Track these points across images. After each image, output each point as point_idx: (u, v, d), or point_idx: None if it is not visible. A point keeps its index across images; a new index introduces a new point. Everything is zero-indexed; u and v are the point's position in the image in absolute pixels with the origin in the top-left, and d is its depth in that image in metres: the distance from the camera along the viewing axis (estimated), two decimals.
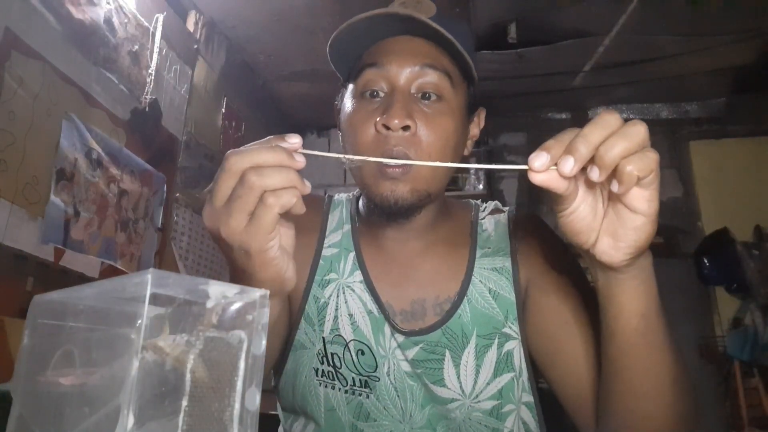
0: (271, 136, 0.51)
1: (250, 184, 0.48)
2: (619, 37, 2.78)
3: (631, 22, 2.64)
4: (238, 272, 0.56)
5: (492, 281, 0.79)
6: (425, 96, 0.71)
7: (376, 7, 0.70)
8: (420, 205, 0.73)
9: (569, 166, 0.45)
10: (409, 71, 0.71)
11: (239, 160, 0.49)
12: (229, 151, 0.50)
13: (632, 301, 0.55)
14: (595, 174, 0.45)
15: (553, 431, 0.81)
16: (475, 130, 0.81)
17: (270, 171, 0.48)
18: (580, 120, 3.73)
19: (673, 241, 3.31)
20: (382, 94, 0.72)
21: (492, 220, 0.85)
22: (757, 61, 3.07)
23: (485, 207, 0.88)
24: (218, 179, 0.50)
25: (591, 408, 0.70)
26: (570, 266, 0.79)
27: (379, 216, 0.77)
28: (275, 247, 0.53)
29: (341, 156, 0.60)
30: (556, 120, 3.79)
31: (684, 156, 3.55)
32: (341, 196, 0.91)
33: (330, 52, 0.77)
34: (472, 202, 0.90)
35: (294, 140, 0.51)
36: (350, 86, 0.76)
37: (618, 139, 0.45)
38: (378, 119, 0.69)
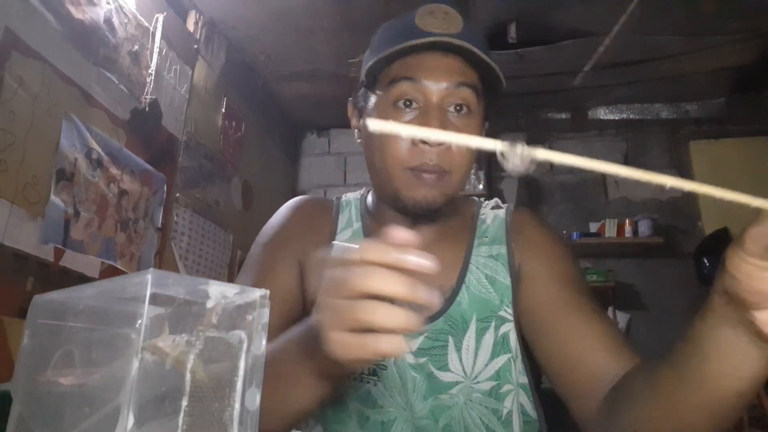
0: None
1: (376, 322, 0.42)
2: (619, 37, 2.78)
3: (631, 22, 2.64)
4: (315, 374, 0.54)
5: (489, 267, 0.83)
6: (456, 108, 0.76)
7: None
8: (445, 206, 0.78)
9: None
10: (444, 88, 0.75)
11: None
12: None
13: (757, 371, 0.48)
14: None
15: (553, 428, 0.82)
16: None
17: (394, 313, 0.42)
18: (581, 120, 3.74)
19: (673, 241, 3.30)
20: (415, 105, 0.76)
21: (492, 214, 0.90)
22: (757, 61, 3.07)
23: (487, 204, 0.92)
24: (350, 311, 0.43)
25: (588, 396, 0.68)
26: (562, 253, 0.82)
27: (404, 217, 0.80)
28: None
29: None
30: (556, 120, 3.79)
31: (684, 156, 3.54)
32: (349, 197, 0.95)
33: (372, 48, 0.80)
34: (476, 199, 0.94)
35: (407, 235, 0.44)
36: (379, 94, 0.79)
37: None
38: None
